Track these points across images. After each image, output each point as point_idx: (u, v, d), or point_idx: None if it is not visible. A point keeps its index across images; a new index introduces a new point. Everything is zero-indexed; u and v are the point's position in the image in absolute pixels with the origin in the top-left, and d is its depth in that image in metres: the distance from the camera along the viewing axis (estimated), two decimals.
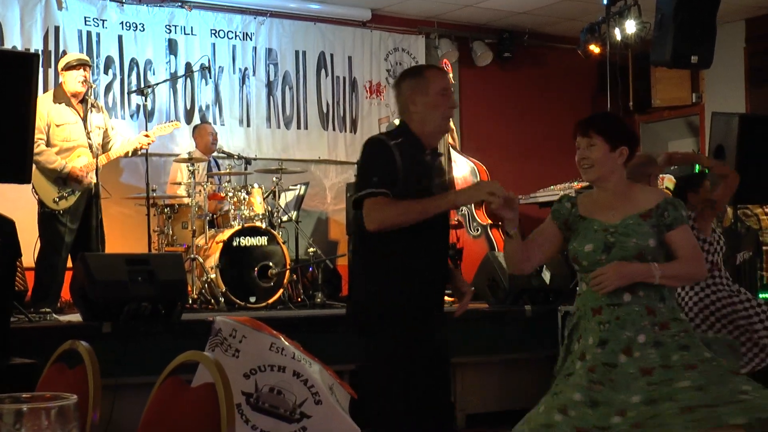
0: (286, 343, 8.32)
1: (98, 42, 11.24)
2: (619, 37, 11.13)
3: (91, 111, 9.43)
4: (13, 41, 10.70)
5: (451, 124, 10.67)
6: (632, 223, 4.70)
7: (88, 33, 11.18)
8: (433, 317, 5.21)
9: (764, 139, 11.04)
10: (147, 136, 9.83)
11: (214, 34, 11.93)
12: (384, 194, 4.86)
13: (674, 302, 4.73)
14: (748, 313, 7.43)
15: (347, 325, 5.41)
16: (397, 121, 5.63)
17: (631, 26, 11.01)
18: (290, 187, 10.84)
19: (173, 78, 11.54)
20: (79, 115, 9.30)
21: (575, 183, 11.38)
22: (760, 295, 9.87)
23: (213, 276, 9.78)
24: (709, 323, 7.42)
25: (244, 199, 10.22)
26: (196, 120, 11.52)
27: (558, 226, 4.95)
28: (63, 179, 9.12)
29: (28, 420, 1.25)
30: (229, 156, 10.98)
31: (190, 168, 10.25)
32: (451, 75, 10.88)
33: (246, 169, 10.75)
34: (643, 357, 4.51)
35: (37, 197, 9.11)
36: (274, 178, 10.62)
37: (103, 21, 11.28)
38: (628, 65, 13.20)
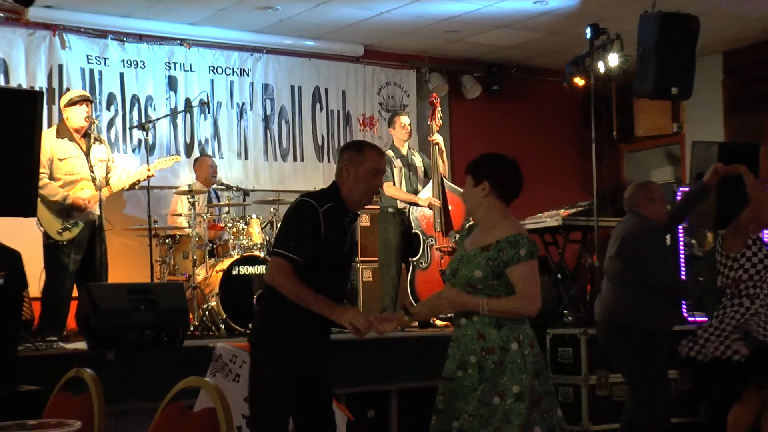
0: None
1: (100, 79, 11.32)
2: (602, 70, 11.20)
3: (94, 144, 9.47)
4: (19, 79, 10.78)
5: (444, 155, 10.74)
6: (472, 254, 5.07)
7: (91, 71, 11.26)
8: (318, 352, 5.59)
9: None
10: (148, 170, 9.89)
11: (213, 70, 12.01)
12: (293, 261, 5.18)
13: (513, 332, 4.99)
14: None
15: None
16: None
17: (614, 59, 11.08)
18: None
19: (173, 113, 11.62)
20: (82, 149, 9.33)
21: (562, 210, 11.42)
22: None
23: (213, 304, 9.82)
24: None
25: (243, 229, 10.28)
26: (196, 153, 11.59)
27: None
28: (66, 211, 9.16)
29: None
30: (228, 188, 11.04)
31: (191, 200, 10.27)
32: (439, 109, 10.95)
33: (244, 200, 10.80)
34: (472, 376, 4.97)
35: (42, 229, 9.14)
36: (272, 209, 10.67)
37: (105, 59, 11.36)
38: (612, 97, 13.28)
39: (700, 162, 11.01)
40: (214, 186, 10.88)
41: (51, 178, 9.08)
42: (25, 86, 10.61)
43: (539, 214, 11.53)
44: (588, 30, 11.09)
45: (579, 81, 11.58)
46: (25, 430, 1.29)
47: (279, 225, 5.51)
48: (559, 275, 11.01)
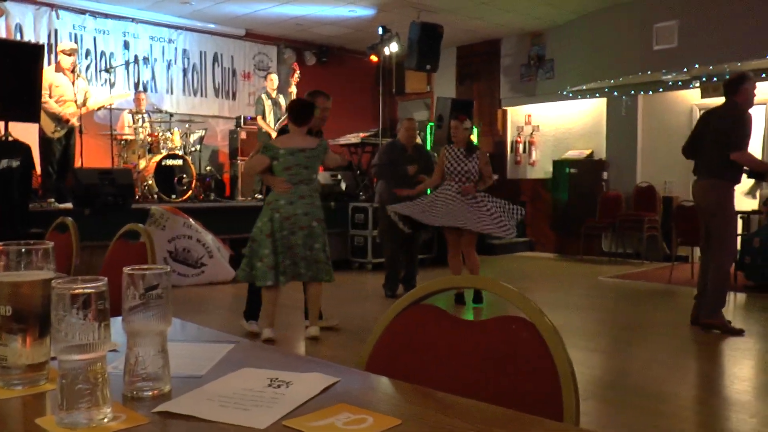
0: (192, 222, 8.35)
1: (81, 39, 10.75)
2: (387, 53, 11.28)
3: (77, 79, 9.17)
4: (28, 37, 10.19)
5: (294, 97, 10.73)
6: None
7: (75, 34, 10.67)
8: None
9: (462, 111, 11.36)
10: (111, 102, 9.72)
11: (152, 38, 11.54)
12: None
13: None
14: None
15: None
16: None
17: (394, 47, 11.17)
18: (196, 131, 10.66)
19: (127, 64, 11.14)
20: (70, 81, 9.01)
21: (360, 133, 11.58)
22: None
23: (150, 182, 9.62)
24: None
25: (169, 137, 10.05)
26: (140, 89, 11.17)
27: None
28: (59, 119, 8.85)
29: (25, 256, 1.33)
30: (160, 111, 10.76)
31: (136, 117, 10.05)
32: (298, 72, 11.00)
33: (170, 119, 10.53)
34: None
35: (40, 131, 8.87)
36: (187, 125, 10.48)
37: (84, 27, 10.78)
38: (392, 68, 13.37)
39: (441, 109, 11.32)
40: (149, 110, 10.54)
41: (50, 97, 8.75)
42: (33, 41, 10.03)
43: (347, 135, 11.66)
44: (380, 29, 11.17)
45: (374, 58, 11.66)
46: (21, 246, 1.28)
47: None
48: (358, 171, 11.18)
